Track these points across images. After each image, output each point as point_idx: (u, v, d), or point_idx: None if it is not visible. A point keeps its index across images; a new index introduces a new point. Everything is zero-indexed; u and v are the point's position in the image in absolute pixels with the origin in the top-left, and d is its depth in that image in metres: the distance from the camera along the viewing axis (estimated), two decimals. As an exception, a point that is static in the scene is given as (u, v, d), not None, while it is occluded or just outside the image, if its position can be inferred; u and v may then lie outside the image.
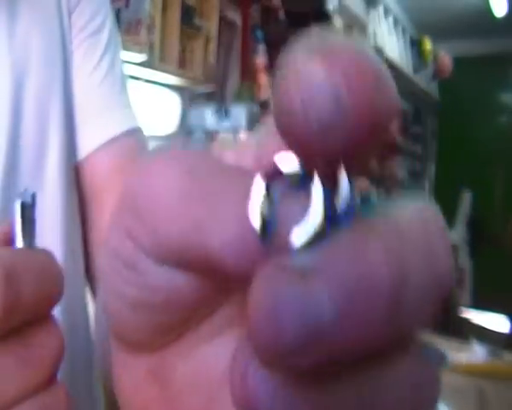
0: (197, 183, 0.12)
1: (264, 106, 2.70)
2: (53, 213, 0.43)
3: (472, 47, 5.38)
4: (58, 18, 0.49)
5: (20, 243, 0.19)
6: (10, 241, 0.19)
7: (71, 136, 0.47)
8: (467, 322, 4.01)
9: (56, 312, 0.20)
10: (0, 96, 0.41)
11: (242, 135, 2.28)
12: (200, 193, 0.12)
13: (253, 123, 2.32)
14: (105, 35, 0.52)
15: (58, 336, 0.19)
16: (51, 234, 0.43)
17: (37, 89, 0.44)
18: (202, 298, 0.13)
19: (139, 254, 0.13)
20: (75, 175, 0.47)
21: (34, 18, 0.46)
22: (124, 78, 0.53)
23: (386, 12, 4.25)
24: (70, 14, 0.50)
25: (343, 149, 0.10)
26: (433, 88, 5.41)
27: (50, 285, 0.18)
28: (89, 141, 0.46)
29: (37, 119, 0.43)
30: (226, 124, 2.27)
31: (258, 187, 0.11)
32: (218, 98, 2.59)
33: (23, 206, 0.18)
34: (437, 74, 5.16)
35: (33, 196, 0.19)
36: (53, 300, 0.19)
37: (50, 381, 0.18)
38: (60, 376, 0.20)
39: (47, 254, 0.19)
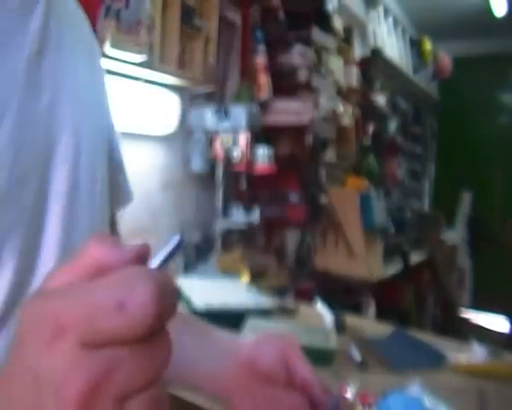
0: None
1: (264, 106, 2.70)
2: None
3: (472, 47, 5.38)
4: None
5: (154, 264, 0.23)
6: (141, 259, 0.23)
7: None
8: (467, 322, 4.02)
9: None
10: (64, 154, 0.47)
11: (242, 135, 2.28)
12: None
13: (252, 123, 2.33)
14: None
15: (170, 343, 0.23)
16: None
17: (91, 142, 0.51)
18: None
19: None
20: None
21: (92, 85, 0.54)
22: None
23: (386, 12, 4.25)
24: None
25: None
26: (432, 88, 5.41)
27: (175, 301, 0.23)
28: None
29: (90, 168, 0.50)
30: (226, 124, 2.27)
31: None
32: (218, 98, 2.59)
33: (178, 241, 0.23)
34: (437, 74, 5.16)
35: (183, 239, 0.23)
36: (174, 314, 0.23)
37: (157, 380, 0.22)
38: None
39: (171, 276, 0.23)
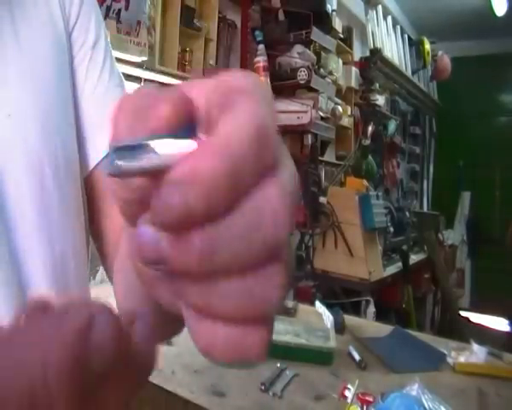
0: None
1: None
2: (72, 213, 0.51)
3: (471, 47, 5.39)
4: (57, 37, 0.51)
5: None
6: None
7: (78, 145, 0.52)
8: (467, 322, 4.02)
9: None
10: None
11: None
12: None
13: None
14: (102, 42, 0.56)
15: None
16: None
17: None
18: None
19: None
20: (86, 179, 0.54)
21: (44, 33, 0.49)
22: (120, 76, 0.58)
23: (385, 12, 4.25)
24: (70, 33, 0.53)
25: None
26: (432, 88, 5.42)
27: None
28: (98, 151, 0.53)
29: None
30: (226, 124, 2.27)
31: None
32: (217, 99, 2.59)
33: None
34: (436, 75, 5.16)
35: None
36: None
37: None
38: None
39: None
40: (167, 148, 0.16)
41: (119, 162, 0.16)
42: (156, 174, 0.16)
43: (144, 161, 0.16)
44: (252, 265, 0.17)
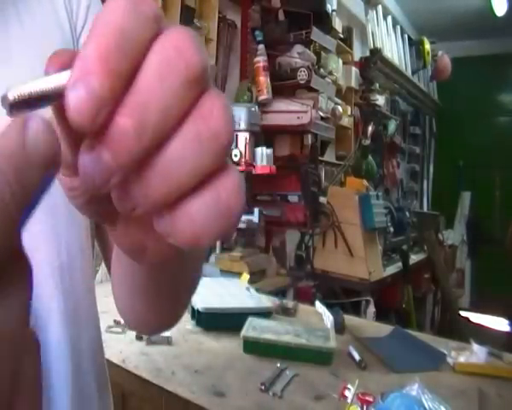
0: None
1: (263, 106, 2.70)
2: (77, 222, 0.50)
3: (471, 47, 5.39)
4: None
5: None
6: None
7: None
8: (466, 322, 4.02)
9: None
10: None
11: (242, 135, 2.28)
12: None
13: (252, 123, 2.32)
14: None
15: None
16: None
17: None
18: None
19: None
20: None
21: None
22: None
23: (385, 12, 4.25)
24: (77, 39, 0.53)
25: None
26: (432, 88, 5.42)
27: None
28: None
29: None
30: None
31: None
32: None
33: None
34: (436, 75, 5.16)
35: None
36: None
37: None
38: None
39: None
40: (52, 76, 0.17)
41: (10, 94, 0.17)
42: (52, 100, 0.17)
43: (33, 86, 0.17)
44: (184, 109, 0.17)
